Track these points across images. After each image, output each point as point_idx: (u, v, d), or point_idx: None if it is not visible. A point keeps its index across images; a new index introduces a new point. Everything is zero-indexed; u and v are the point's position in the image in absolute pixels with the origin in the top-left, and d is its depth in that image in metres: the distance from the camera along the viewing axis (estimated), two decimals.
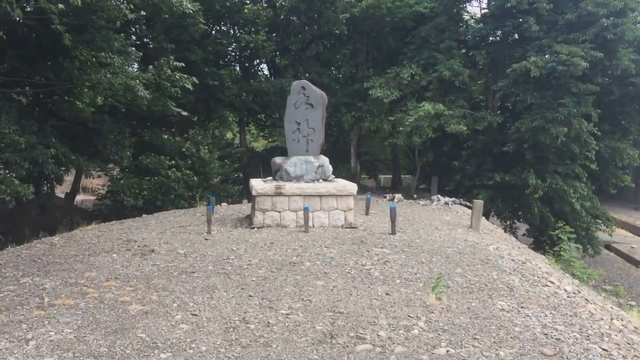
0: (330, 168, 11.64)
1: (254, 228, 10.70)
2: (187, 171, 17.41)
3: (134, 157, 17.93)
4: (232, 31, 19.81)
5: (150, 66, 13.73)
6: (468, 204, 16.83)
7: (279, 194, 10.79)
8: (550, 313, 6.09)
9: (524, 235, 22.15)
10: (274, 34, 20.24)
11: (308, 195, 10.89)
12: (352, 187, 11.04)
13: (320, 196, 10.93)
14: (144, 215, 13.75)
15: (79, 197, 25.74)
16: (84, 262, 7.84)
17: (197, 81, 14.22)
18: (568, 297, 7.26)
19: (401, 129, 19.02)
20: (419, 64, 19.22)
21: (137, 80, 12.87)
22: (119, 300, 6.04)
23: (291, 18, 19.54)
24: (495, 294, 6.74)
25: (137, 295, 6.21)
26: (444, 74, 18.08)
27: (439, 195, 16.83)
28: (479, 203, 12.24)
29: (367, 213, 13.37)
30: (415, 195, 19.06)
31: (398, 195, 17.09)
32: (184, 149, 17.75)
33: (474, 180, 20.34)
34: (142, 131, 18.43)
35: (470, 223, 12.28)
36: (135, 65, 16.76)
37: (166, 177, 16.80)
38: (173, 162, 17.23)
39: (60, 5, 8.13)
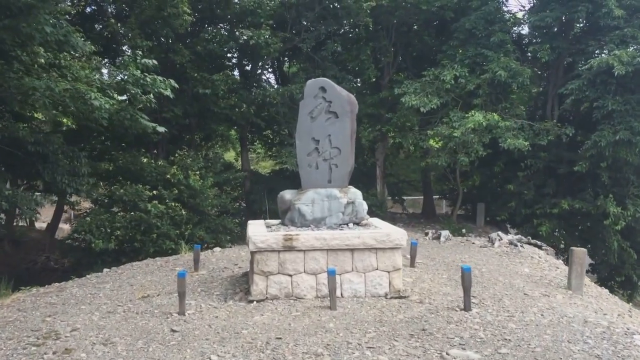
0: (364, 206, 8.20)
1: (252, 302, 7.27)
2: (173, 203, 14.09)
3: (106, 186, 14.71)
4: (227, 25, 16.49)
5: (108, 67, 10.47)
6: (539, 243, 13.31)
7: (290, 249, 7.36)
8: None
9: (587, 272, 18.61)
10: (280, 33, 16.95)
11: (333, 250, 7.45)
12: (399, 235, 7.57)
13: (352, 250, 7.49)
14: (105, 270, 10.40)
15: (67, 227, 22.72)
16: None
17: (176, 85, 10.94)
18: None
19: (436, 145, 15.64)
20: (463, 64, 15.79)
21: (94, 86, 9.64)
22: None
23: (302, 9, 16.20)
24: None
25: None
26: (499, 74, 14.63)
27: (499, 233, 13.28)
28: (579, 253, 8.71)
29: (412, 264, 9.91)
30: (463, 230, 15.53)
31: (445, 233, 13.58)
32: (168, 176, 14.43)
33: (533, 208, 16.84)
34: (116, 154, 15.14)
35: (569, 282, 8.76)
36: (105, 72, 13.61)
37: (145, 212, 13.51)
38: (155, 192, 13.96)
39: None
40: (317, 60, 17.21)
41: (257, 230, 7.76)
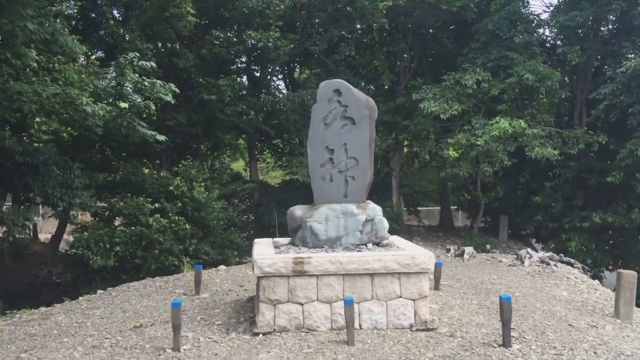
0: (385, 223, 7.30)
1: (257, 334, 6.39)
2: (176, 217, 13.30)
3: (105, 199, 13.94)
4: (234, 28, 15.71)
5: (106, 71, 9.69)
6: (572, 260, 12.29)
7: (301, 273, 6.48)
8: None
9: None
10: (290, 35, 16.16)
11: (350, 275, 6.56)
12: (426, 258, 6.66)
13: (372, 275, 6.60)
14: (98, 292, 9.60)
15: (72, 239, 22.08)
16: None
17: (177, 90, 10.16)
18: None
19: (455, 154, 14.75)
20: (485, 67, 14.87)
21: (87, 90, 8.88)
22: None
23: (313, 10, 15.40)
24: None
25: None
26: (526, 78, 13.70)
27: (528, 250, 12.30)
28: (629, 276, 7.75)
29: (437, 287, 9.00)
30: (488, 246, 14.56)
31: (468, 249, 12.64)
32: (171, 187, 13.64)
33: (562, 222, 15.83)
34: (116, 165, 14.39)
35: (616, 309, 7.78)
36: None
37: (147, 226, 12.72)
38: (157, 205, 13.17)
39: None
40: (329, 65, 16.40)
41: (264, 251, 6.88)
